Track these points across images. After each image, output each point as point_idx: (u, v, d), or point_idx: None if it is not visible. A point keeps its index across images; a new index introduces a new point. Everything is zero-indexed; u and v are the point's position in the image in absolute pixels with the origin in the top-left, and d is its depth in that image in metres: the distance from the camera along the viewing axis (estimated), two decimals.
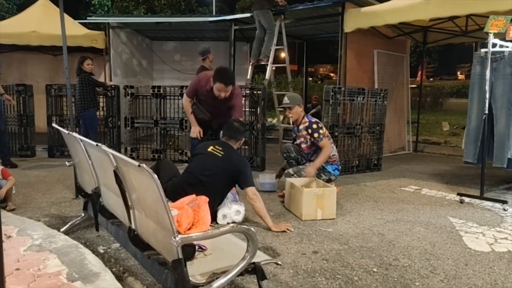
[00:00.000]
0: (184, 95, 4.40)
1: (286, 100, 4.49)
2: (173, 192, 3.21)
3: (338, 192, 4.45)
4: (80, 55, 6.24)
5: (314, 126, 4.36)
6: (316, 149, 4.45)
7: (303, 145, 4.52)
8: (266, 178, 4.78)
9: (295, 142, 4.65)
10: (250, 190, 3.38)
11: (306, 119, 4.45)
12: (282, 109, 5.03)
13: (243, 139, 3.79)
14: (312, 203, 3.75)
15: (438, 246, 3.17)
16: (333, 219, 3.79)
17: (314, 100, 10.93)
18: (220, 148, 3.51)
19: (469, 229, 3.58)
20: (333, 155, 4.49)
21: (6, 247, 2.36)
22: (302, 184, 4.01)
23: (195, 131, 4.29)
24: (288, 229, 3.40)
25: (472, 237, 3.38)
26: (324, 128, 4.43)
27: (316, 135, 4.33)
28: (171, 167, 3.80)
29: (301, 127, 4.47)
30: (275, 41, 6.96)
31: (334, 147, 4.58)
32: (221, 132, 3.75)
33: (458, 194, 4.62)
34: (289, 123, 8.14)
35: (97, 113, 6.41)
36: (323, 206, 3.77)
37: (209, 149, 3.53)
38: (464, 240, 3.31)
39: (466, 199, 4.48)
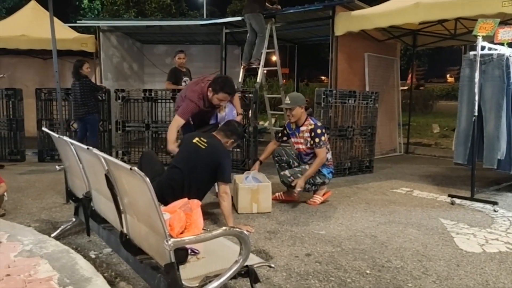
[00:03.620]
0: (178, 118, 4.05)
1: (287, 100, 4.33)
2: (159, 191, 3.15)
3: (329, 195, 4.48)
4: (76, 59, 6.29)
5: (319, 131, 4.23)
6: (315, 154, 4.35)
7: (302, 146, 4.38)
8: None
9: (292, 142, 4.53)
10: (223, 187, 3.35)
11: (311, 121, 4.31)
12: (284, 108, 4.73)
13: (234, 141, 3.69)
14: (247, 197, 3.97)
15: (430, 247, 3.19)
16: (269, 212, 3.97)
17: None
18: (205, 140, 3.47)
19: (460, 230, 3.61)
20: (330, 159, 4.46)
21: None
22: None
23: (175, 147, 3.92)
24: (248, 230, 3.38)
25: (464, 238, 3.41)
26: (326, 135, 4.34)
27: (317, 140, 4.21)
28: (153, 161, 3.75)
29: (303, 128, 4.32)
30: (266, 44, 6.98)
31: (330, 151, 4.52)
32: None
33: (449, 195, 4.65)
34: (281, 126, 8.16)
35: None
36: (258, 200, 3.99)
37: (194, 141, 3.49)
38: (455, 241, 3.34)
39: (457, 201, 4.52)
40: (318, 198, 4.39)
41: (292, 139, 4.51)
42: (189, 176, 3.36)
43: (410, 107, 9.00)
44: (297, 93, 4.58)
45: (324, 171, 4.39)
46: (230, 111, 4.46)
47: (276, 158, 4.51)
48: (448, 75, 38.07)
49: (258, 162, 4.46)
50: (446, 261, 2.93)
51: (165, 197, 3.02)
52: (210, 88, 4.00)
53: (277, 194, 4.47)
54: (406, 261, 2.92)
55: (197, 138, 3.51)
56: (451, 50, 18.75)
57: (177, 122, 4.08)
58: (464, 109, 4.82)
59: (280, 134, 4.62)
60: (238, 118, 4.46)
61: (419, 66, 31.39)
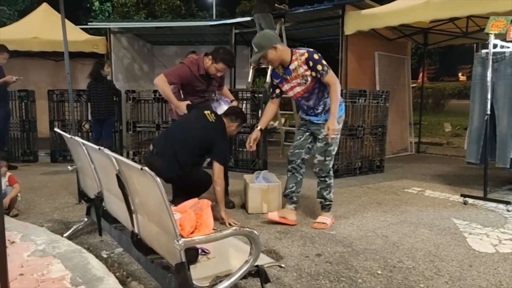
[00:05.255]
0: (163, 78, 3.84)
1: (254, 49, 3.46)
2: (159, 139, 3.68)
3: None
4: (95, 61, 6.40)
5: (316, 56, 3.35)
6: (320, 89, 3.45)
7: (301, 88, 3.48)
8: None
9: (287, 91, 3.60)
10: (218, 168, 3.47)
11: (301, 51, 3.43)
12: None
13: (238, 124, 3.80)
14: (257, 197, 3.95)
15: (442, 247, 3.16)
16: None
17: None
18: (215, 118, 3.63)
19: (473, 230, 3.57)
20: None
21: (9, 253, 2.36)
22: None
23: (184, 104, 3.84)
24: (233, 222, 3.52)
25: (476, 238, 3.37)
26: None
27: (319, 67, 3.32)
28: None
29: (293, 65, 3.44)
30: None
31: None
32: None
33: (462, 195, 4.60)
34: (291, 126, 8.13)
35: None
36: (268, 200, 3.96)
37: (205, 112, 3.67)
38: (468, 241, 3.30)
39: (470, 200, 4.47)
40: (327, 219, 3.62)
41: (285, 88, 3.60)
42: (186, 137, 3.51)
43: (421, 106, 8.93)
44: (262, 33, 3.64)
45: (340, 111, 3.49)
46: (221, 98, 4.29)
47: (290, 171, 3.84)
48: (460, 74, 37.65)
49: (257, 130, 3.64)
50: (458, 261, 2.90)
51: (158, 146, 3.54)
52: (210, 56, 3.91)
53: (269, 214, 3.69)
54: (418, 261, 2.89)
55: (208, 112, 3.68)
56: (463, 48, 18.53)
57: (163, 81, 3.84)
58: (476, 107, 4.77)
59: (271, 90, 3.80)
60: (234, 103, 4.33)
61: (430, 65, 31.08)
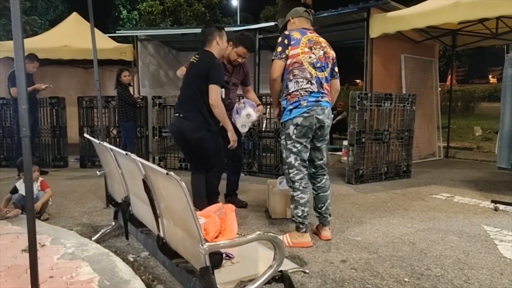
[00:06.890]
0: (183, 68, 4.07)
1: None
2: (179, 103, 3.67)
3: (307, 245, 3.19)
4: (117, 68, 6.47)
5: (279, 39, 3.21)
6: (283, 77, 3.25)
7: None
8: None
9: None
10: (213, 89, 3.42)
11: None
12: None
13: (217, 34, 3.64)
14: (281, 202, 3.90)
15: (472, 255, 3.07)
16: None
17: (339, 107, 10.80)
18: (197, 57, 3.66)
19: (504, 237, 3.45)
20: (293, 91, 3.14)
21: (40, 256, 2.43)
22: None
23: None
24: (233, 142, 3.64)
25: (508, 245, 3.26)
26: (297, 48, 3.13)
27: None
28: None
29: None
30: None
31: (302, 80, 3.13)
32: None
33: (492, 201, 4.47)
34: None
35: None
36: None
37: (191, 60, 3.71)
38: (499, 248, 3.20)
39: (501, 207, 4.33)
40: (285, 240, 3.19)
41: None
42: (189, 89, 3.58)
43: (449, 109, 8.73)
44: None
45: (286, 116, 3.18)
46: (247, 101, 4.28)
47: None
48: (490, 76, 36.67)
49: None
50: (489, 269, 2.82)
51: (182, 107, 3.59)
52: (231, 42, 4.08)
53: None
54: (447, 269, 2.82)
55: (193, 57, 3.71)
56: (493, 50, 18.03)
57: (182, 70, 4.12)
58: (507, 110, 4.63)
59: None
60: (260, 108, 4.30)
61: (459, 67, 30.39)
